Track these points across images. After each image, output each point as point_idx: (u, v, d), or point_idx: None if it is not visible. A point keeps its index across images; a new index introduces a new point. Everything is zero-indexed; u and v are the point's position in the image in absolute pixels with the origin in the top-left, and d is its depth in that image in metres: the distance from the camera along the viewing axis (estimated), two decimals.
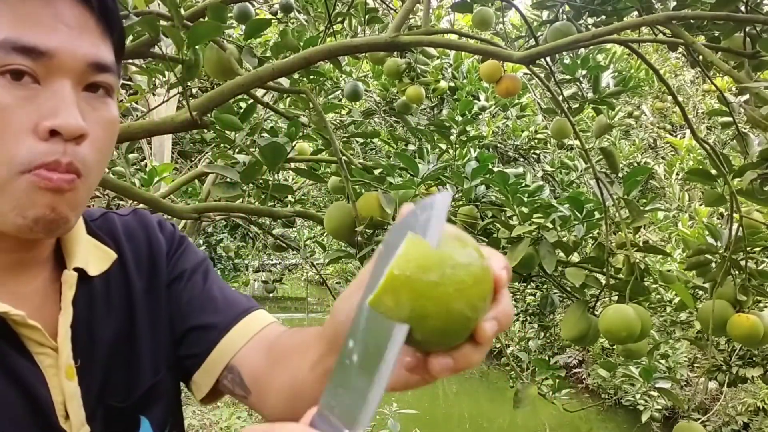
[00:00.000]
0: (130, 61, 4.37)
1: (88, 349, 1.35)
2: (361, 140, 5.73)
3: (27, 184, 1.15)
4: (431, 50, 5.15)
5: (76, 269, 1.37)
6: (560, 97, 3.92)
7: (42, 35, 1.16)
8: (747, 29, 3.36)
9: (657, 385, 4.03)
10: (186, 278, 1.59)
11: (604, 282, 3.28)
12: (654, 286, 3.86)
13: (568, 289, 3.84)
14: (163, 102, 5.36)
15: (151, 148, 9.06)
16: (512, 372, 4.97)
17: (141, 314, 1.49)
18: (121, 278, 1.47)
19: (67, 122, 1.15)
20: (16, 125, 1.14)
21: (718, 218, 9.92)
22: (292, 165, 4.13)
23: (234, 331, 1.56)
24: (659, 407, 10.41)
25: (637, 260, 3.17)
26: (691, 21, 3.43)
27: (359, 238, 3.21)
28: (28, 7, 1.16)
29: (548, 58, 3.93)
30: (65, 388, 1.29)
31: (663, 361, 8.93)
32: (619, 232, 3.38)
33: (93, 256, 1.43)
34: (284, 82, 3.86)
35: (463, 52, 6.32)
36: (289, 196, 4.66)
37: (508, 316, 0.96)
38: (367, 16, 4.99)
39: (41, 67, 1.16)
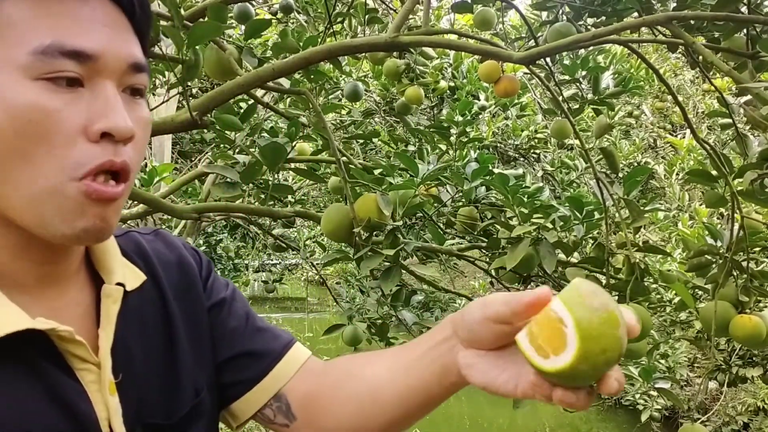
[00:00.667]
0: None
1: (126, 365, 1.34)
2: (361, 140, 5.73)
3: (78, 193, 1.15)
4: (431, 50, 5.15)
5: (118, 284, 1.37)
6: (560, 98, 3.92)
7: (85, 37, 1.16)
8: (747, 30, 3.36)
9: (657, 385, 4.03)
10: (228, 305, 1.63)
11: (604, 282, 3.27)
12: (654, 286, 3.87)
13: None
14: (163, 102, 5.35)
15: (151, 148, 9.05)
16: None
17: (180, 336, 1.49)
18: (156, 297, 1.47)
19: (119, 124, 1.16)
20: (67, 129, 1.14)
21: (718, 218, 9.92)
22: (292, 165, 4.13)
23: (284, 361, 1.63)
24: (659, 407, 10.42)
25: (637, 260, 3.17)
26: (691, 21, 3.43)
27: (357, 240, 3.21)
28: (65, 8, 1.16)
29: (548, 59, 3.93)
30: (109, 404, 1.28)
31: (663, 361, 8.95)
32: (619, 232, 3.38)
33: (127, 272, 1.42)
34: (284, 82, 3.86)
35: (462, 52, 6.32)
36: (289, 197, 4.66)
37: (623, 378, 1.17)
38: (366, 17, 4.99)
39: (86, 70, 1.16)
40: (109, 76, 1.18)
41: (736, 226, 3.19)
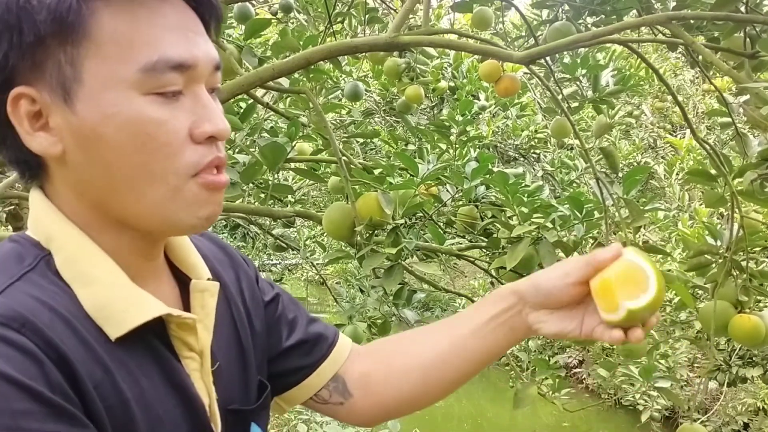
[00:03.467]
0: None
1: (216, 355, 1.42)
2: (361, 140, 5.73)
3: (197, 187, 1.24)
4: (431, 50, 5.15)
5: (209, 279, 1.47)
6: (560, 97, 3.92)
7: (183, 48, 1.21)
8: (747, 29, 3.36)
9: (657, 385, 4.03)
10: (282, 299, 1.74)
11: None
12: None
13: None
14: None
15: None
16: (512, 372, 4.98)
17: (244, 330, 1.57)
18: (221, 294, 1.51)
19: (221, 127, 1.24)
20: (177, 135, 1.21)
21: (718, 218, 9.92)
22: (292, 165, 4.13)
23: (339, 345, 1.76)
24: (659, 407, 10.41)
25: None
26: (691, 21, 3.43)
27: (358, 239, 3.21)
28: (159, 18, 1.20)
29: (548, 58, 3.93)
30: (210, 391, 1.38)
31: (663, 361, 8.93)
32: (619, 232, 3.38)
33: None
34: (284, 81, 3.86)
35: (463, 52, 6.31)
36: (289, 196, 4.66)
37: None
38: (367, 16, 5.00)
39: (185, 78, 1.22)
40: (201, 80, 1.25)
41: (736, 226, 3.19)
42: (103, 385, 1.16)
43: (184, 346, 1.34)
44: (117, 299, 1.23)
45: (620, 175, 3.75)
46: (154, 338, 1.29)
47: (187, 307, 1.41)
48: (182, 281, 1.45)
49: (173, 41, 1.20)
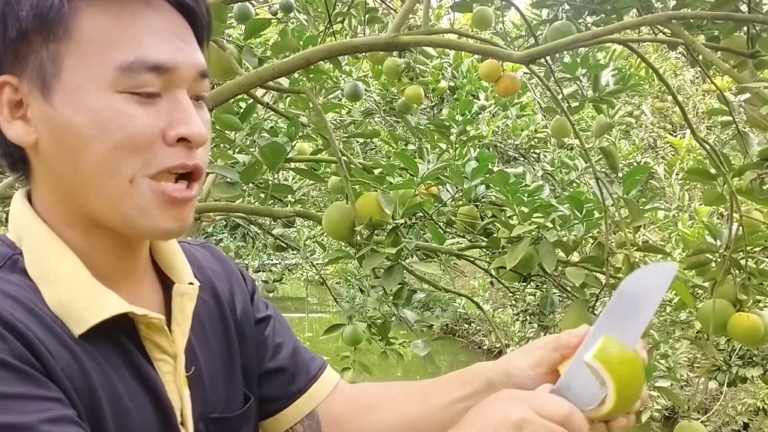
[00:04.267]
0: None
1: (194, 361, 1.43)
2: (361, 140, 5.73)
3: (149, 191, 1.24)
4: (431, 50, 5.15)
5: (191, 283, 1.46)
6: (560, 96, 3.92)
7: (163, 51, 1.23)
8: (747, 28, 3.36)
9: (657, 385, 4.03)
10: (274, 321, 1.73)
11: (604, 281, 3.28)
12: None
13: (568, 288, 3.84)
14: None
15: None
16: None
17: (234, 343, 1.58)
18: (213, 304, 1.55)
19: (195, 130, 1.24)
20: (149, 134, 1.22)
21: (717, 218, 9.91)
22: (292, 165, 4.13)
23: (320, 382, 1.73)
24: (659, 407, 10.40)
25: (637, 260, 3.17)
26: (691, 20, 3.43)
27: (358, 239, 3.21)
28: (142, 20, 1.23)
29: (548, 57, 3.93)
30: (183, 396, 1.37)
31: (663, 361, 8.93)
32: (619, 232, 3.38)
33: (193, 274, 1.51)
34: (284, 81, 3.86)
35: (463, 52, 6.31)
36: (289, 196, 4.67)
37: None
38: (366, 16, 5.00)
39: (163, 81, 1.23)
40: (182, 85, 1.26)
41: (735, 225, 3.18)
42: (71, 368, 1.18)
43: (156, 348, 1.35)
44: (77, 297, 1.25)
45: (620, 174, 3.76)
46: (123, 337, 1.30)
47: (170, 311, 1.42)
48: (167, 285, 1.46)
49: (154, 44, 1.22)
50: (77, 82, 1.20)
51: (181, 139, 1.24)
